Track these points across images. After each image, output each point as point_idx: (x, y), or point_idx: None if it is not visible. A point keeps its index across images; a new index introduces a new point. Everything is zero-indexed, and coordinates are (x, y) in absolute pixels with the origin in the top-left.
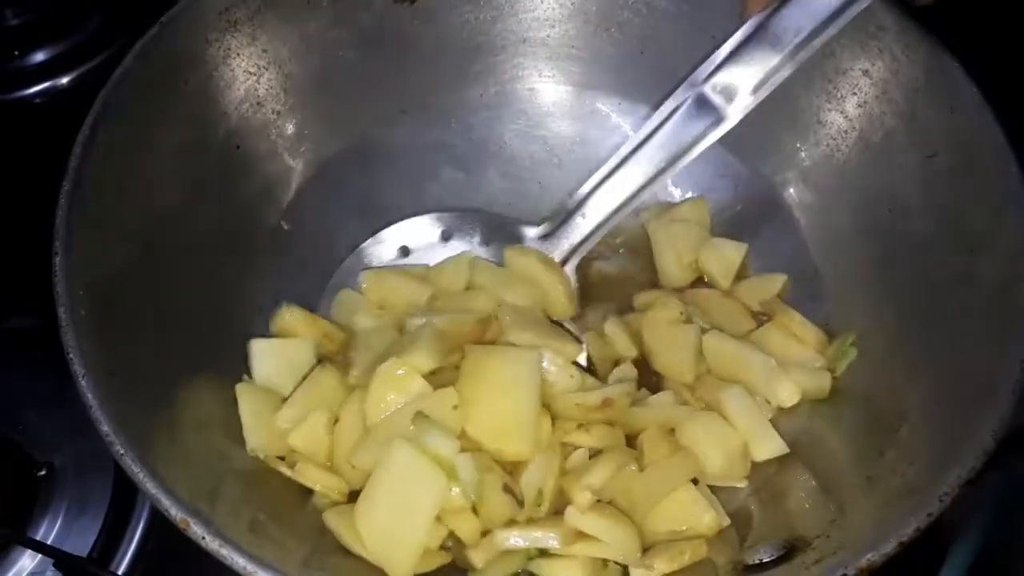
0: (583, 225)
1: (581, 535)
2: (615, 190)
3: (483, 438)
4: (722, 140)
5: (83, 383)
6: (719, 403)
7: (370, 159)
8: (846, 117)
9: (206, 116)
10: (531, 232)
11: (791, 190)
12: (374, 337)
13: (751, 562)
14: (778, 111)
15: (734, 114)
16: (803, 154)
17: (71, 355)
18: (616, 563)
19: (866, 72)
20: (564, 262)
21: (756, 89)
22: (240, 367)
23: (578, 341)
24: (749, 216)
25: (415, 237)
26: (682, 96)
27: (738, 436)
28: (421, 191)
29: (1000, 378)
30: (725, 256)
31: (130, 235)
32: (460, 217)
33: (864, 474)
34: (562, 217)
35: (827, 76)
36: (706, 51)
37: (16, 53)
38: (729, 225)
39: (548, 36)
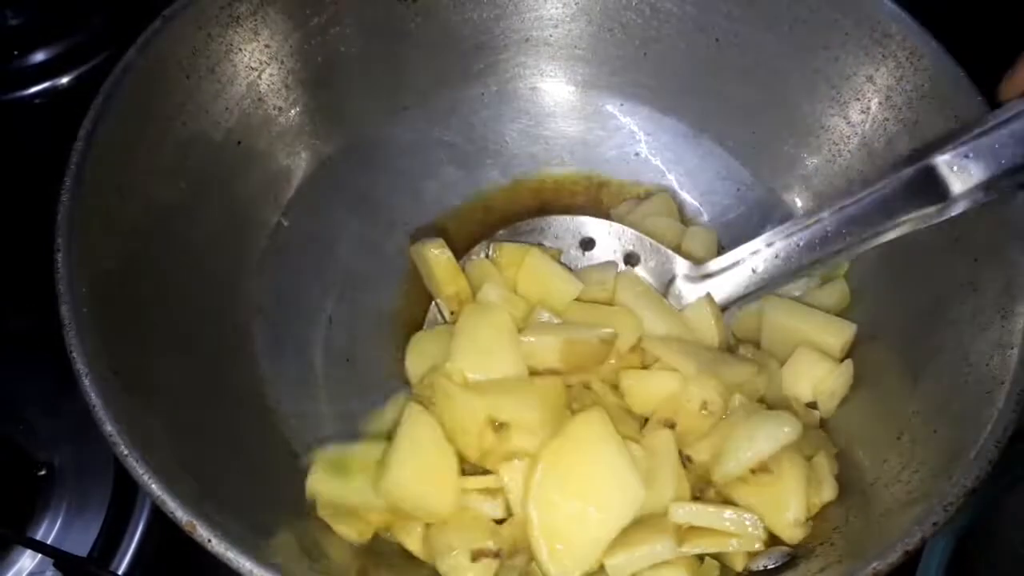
0: (752, 279)
1: (690, 531)
2: (799, 249)
3: (532, 529)
4: (723, 142)
5: (86, 382)
6: (765, 320)
7: (371, 156)
8: (849, 123)
9: (207, 112)
10: (686, 267)
11: (793, 195)
12: (482, 327)
13: (755, 568)
14: (780, 115)
15: (960, 202)
16: (805, 159)
17: (73, 354)
18: (712, 558)
19: (870, 78)
20: (722, 310)
21: (992, 183)
22: (240, 366)
23: (749, 361)
24: (751, 220)
25: (555, 238)
26: (904, 167)
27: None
28: (421, 189)
29: (1003, 387)
30: (706, 240)
31: (131, 232)
32: (609, 227)
33: (867, 481)
34: (730, 262)
35: (831, 81)
36: (710, 53)
37: (16, 53)
38: (730, 228)
39: (551, 35)
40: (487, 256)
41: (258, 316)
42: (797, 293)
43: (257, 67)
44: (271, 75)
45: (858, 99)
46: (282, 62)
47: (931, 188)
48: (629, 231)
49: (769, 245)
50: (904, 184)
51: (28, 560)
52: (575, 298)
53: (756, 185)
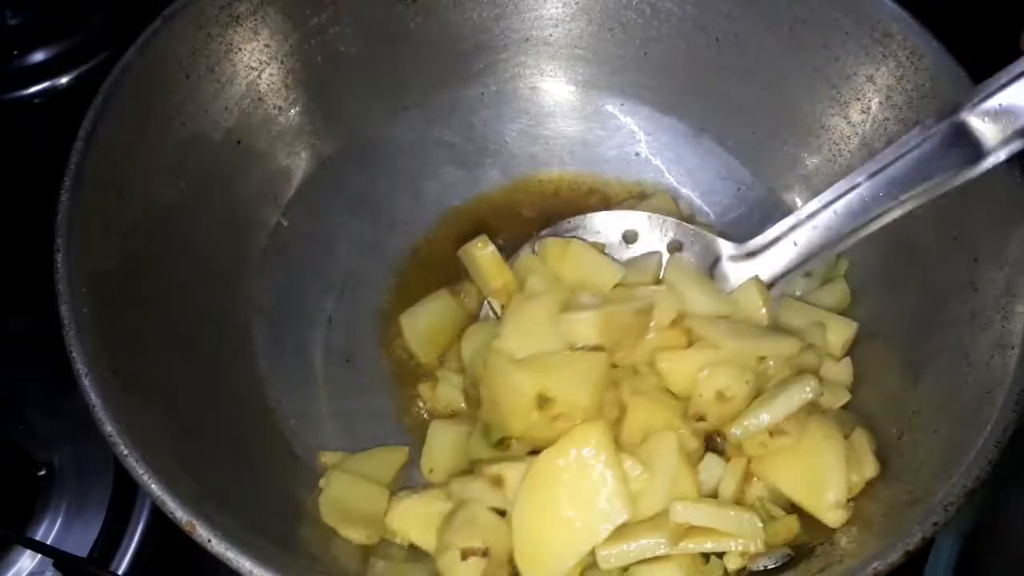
0: (793, 252)
1: (690, 531)
2: (837, 219)
3: (514, 531)
4: (724, 142)
5: (85, 382)
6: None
7: (370, 156)
8: (849, 123)
9: (207, 111)
10: (729, 248)
11: (793, 195)
12: (528, 312)
13: (755, 568)
14: (781, 115)
15: (998, 152)
16: (805, 159)
17: (73, 354)
18: (717, 556)
19: (870, 78)
20: (769, 286)
21: None
22: (240, 366)
23: (793, 336)
24: (751, 220)
25: (596, 233)
26: (934, 126)
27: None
28: (421, 189)
29: (1003, 387)
30: None
31: (131, 232)
32: (650, 219)
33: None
34: (770, 238)
35: (831, 81)
36: (710, 53)
37: (15, 53)
38: (731, 228)
39: (551, 35)
40: (533, 252)
41: (258, 316)
42: (798, 293)
43: (257, 67)
44: (271, 75)
45: (858, 99)
46: (282, 62)
47: (965, 144)
48: (670, 220)
49: (810, 216)
50: (937, 143)
51: (28, 560)
52: (618, 283)
53: (756, 185)
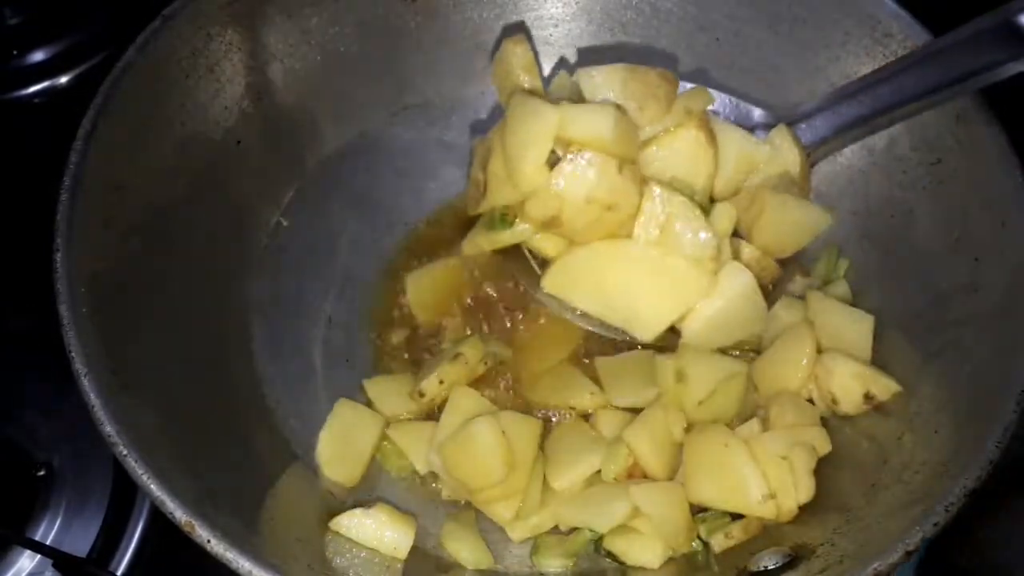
0: (830, 124)
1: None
2: (876, 98)
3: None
4: None
5: (84, 382)
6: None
7: (370, 156)
8: None
9: (207, 111)
10: (764, 116)
11: None
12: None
13: (755, 569)
14: (781, 115)
15: None
16: None
17: (72, 353)
18: (700, 537)
19: None
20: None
21: None
22: (240, 366)
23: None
24: None
25: None
26: (986, 21)
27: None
28: (421, 189)
29: (1003, 387)
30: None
31: (130, 231)
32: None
33: (868, 482)
34: (811, 109)
35: (832, 81)
36: (711, 52)
37: (15, 53)
38: None
39: (551, 35)
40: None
41: (258, 316)
42: (798, 293)
43: (257, 66)
44: (271, 75)
45: None
46: (282, 62)
47: (1013, 40)
48: (711, 91)
49: (847, 97)
50: (981, 39)
51: (27, 560)
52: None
53: None
